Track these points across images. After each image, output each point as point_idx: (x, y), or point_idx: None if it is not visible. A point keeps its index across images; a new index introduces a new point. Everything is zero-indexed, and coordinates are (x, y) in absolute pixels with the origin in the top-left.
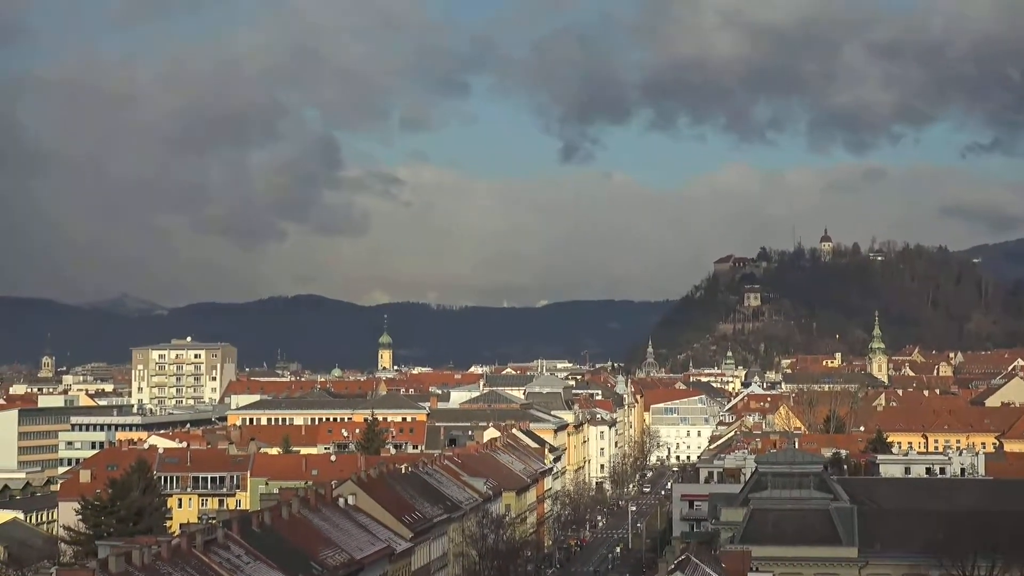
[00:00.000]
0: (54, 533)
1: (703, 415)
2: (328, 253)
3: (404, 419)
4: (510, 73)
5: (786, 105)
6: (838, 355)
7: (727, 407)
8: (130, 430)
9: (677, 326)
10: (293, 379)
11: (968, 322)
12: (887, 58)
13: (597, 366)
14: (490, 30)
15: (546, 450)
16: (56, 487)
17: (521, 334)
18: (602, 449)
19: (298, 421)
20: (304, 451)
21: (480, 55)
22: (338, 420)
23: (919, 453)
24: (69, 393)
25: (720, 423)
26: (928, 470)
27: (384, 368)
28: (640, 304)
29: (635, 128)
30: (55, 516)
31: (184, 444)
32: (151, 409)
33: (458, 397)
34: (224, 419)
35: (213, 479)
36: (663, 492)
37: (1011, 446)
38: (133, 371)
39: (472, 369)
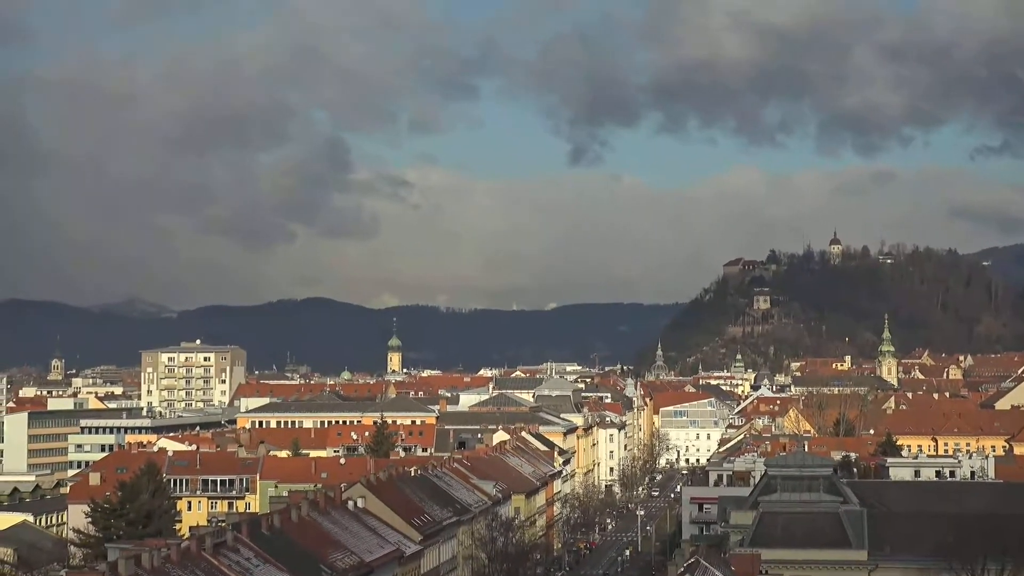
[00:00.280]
0: (63, 536)
1: (712, 418)
2: (337, 255)
3: (413, 422)
4: (517, 75)
5: (795, 107)
6: (848, 358)
7: (736, 410)
8: (139, 433)
9: (686, 329)
10: (302, 382)
11: (978, 325)
12: (896, 60)
13: (606, 369)
14: (492, 30)
15: (555, 453)
16: (66, 490)
17: (530, 337)
18: (611, 452)
19: (307, 424)
20: (313, 454)
21: (485, 57)
22: (347, 423)
23: (929, 456)
24: (78, 396)
25: (729, 426)
26: (938, 473)
27: (393, 371)
28: (649, 307)
29: (644, 131)
30: (64, 519)
31: (193, 447)
32: (160, 412)
33: (467, 400)
34: (233, 422)
35: (222, 482)
36: (672, 495)
37: (1021, 449)
38: (142, 374)
39: (481, 372)
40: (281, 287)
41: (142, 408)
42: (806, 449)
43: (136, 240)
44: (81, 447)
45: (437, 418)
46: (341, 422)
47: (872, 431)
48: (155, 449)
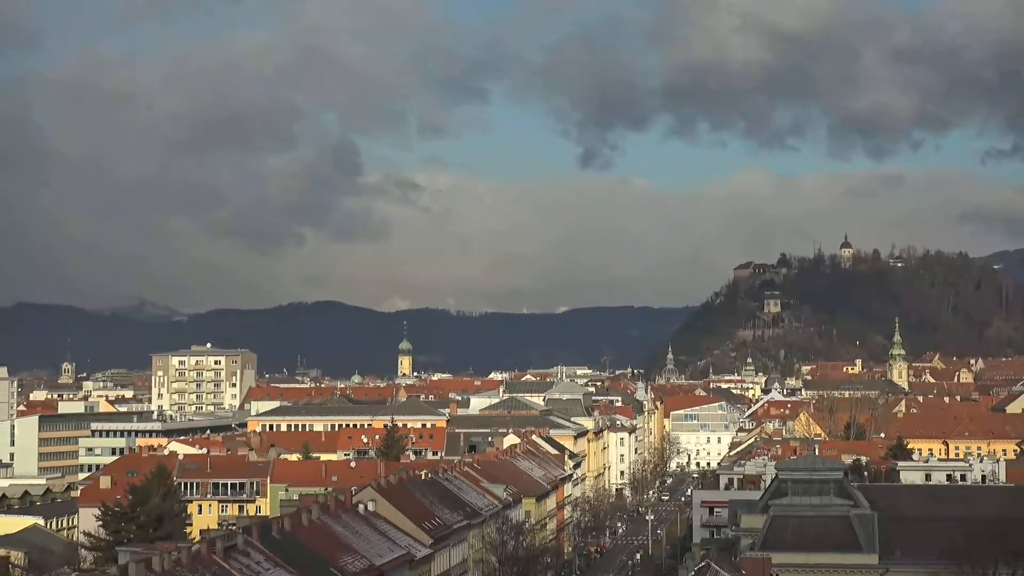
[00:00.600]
0: (74, 539)
1: (723, 421)
2: (346, 258)
3: (424, 425)
4: (526, 78)
5: (805, 111)
6: (858, 361)
7: (747, 413)
8: (150, 436)
9: (697, 332)
10: (313, 385)
11: (988, 328)
12: (906, 63)
13: (617, 372)
14: (496, 31)
15: (566, 456)
16: (76, 493)
17: (540, 340)
18: (622, 455)
19: (318, 427)
20: (324, 457)
21: (491, 58)
22: (358, 426)
23: (939, 460)
24: (89, 399)
25: (740, 429)
26: (949, 477)
27: (404, 374)
28: (660, 310)
29: (655, 134)
30: (75, 522)
31: (204, 450)
32: (171, 415)
33: (478, 403)
34: (244, 425)
35: (233, 485)
36: (683, 498)
37: None
38: (153, 377)
39: (492, 375)
40: (291, 290)
41: (153, 411)
42: (817, 453)
43: (142, 242)
44: (92, 450)
45: (447, 421)
46: (351, 425)
47: (883, 435)
48: (166, 452)
